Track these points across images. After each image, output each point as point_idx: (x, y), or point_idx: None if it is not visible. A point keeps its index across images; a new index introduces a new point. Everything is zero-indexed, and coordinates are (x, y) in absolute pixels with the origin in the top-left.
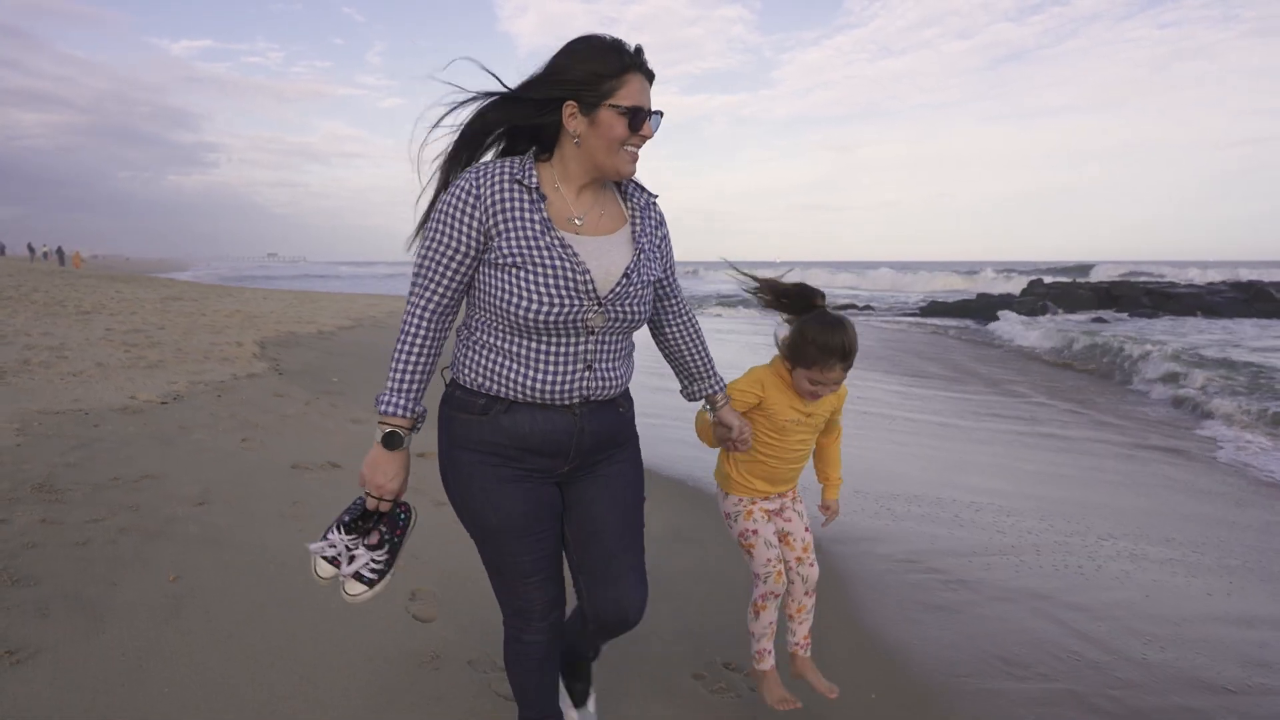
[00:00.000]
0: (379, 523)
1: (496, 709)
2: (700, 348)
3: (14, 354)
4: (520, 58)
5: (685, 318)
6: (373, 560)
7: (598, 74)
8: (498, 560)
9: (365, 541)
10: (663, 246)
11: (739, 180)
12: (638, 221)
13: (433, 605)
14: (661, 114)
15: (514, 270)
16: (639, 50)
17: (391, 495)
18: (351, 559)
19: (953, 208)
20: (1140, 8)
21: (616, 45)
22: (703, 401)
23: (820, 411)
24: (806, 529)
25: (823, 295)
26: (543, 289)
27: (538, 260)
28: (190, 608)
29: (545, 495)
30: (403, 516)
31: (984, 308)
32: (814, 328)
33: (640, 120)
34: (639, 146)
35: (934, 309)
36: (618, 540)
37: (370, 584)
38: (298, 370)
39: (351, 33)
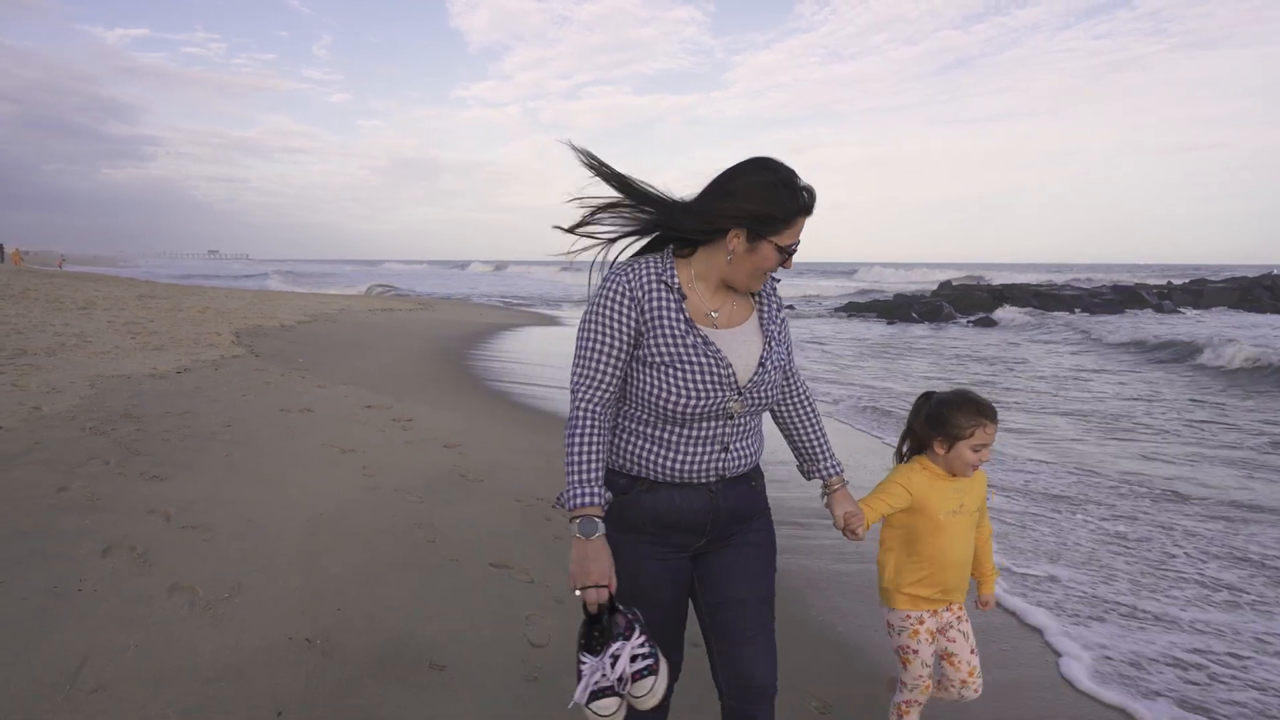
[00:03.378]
0: (611, 619)
1: None
2: (815, 427)
3: (51, 339)
4: (471, 54)
5: (801, 396)
6: (633, 647)
7: (773, 216)
8: None
9: (616, 643)
10: (784, 328)
11: (694, 181)
12: (763, 307)
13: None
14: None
15: (664, 368)
16: (811, 194)
17: (609, 580)
18: (615, 662)
19: (899, 210)
20: (1077, 19)
21: (792, 185)
22: (819, 482)
23: (972, 499)
24: (973, 650)
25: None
26: (691, 385)
27: (686, 359)
28: (241, 468)
29: (678, 570)
30: (631, 612)
31: (898, 308)
32: (953, 401)
33: (790, 255)
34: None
35: (850, 308)
36: (751, 610)
37: (652, 670)
38: (270, 354)
39: (297, 25)
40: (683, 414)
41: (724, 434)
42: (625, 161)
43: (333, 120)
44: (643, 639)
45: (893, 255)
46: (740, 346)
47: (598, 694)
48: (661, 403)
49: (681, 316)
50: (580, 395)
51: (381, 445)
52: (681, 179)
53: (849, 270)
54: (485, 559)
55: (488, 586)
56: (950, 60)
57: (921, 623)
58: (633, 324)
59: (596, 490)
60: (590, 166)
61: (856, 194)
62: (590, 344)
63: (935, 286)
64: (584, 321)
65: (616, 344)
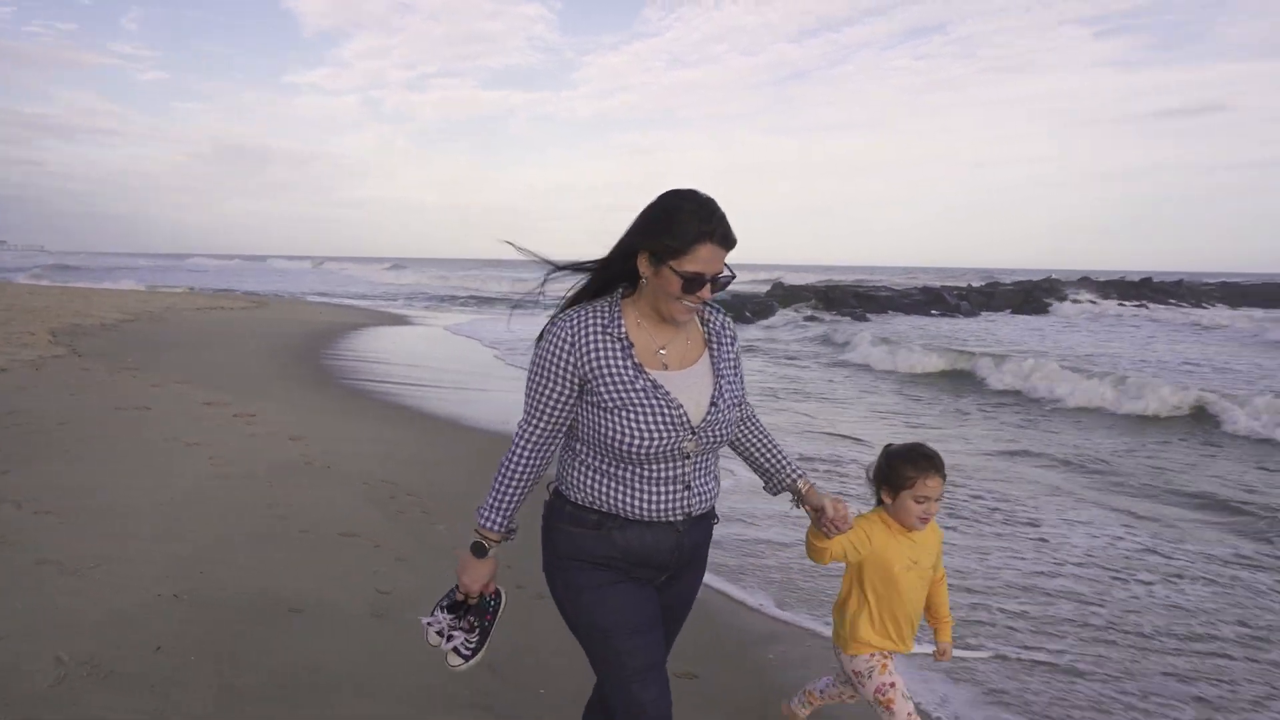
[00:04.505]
0: (469, 612)
1: None
2: (771, 444)
3: None
4: (306, 38)
5: (751, 420)
6: (467, 640)
7: (668, 243)
8: (612, 664)
9: (461, 625)
10: (737, 363)
11: (546, 177)
12: (714, 345)
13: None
14: (732, 276)
15: (615, 411)
16: (721, 220)
17: (476, 594)
18: (450, 638)
19: (744, 213)
20: (900, 40)
21: (699, 214)
22: (789, 494)
23: (927, 555)
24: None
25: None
26: (643, 427)
27: (636, 403)
28: (86, 460)
29: (650, 595)
30: (492, 603)
31: (732, 306)
32: (901, 452)
33: (697, 286)
34: (695, 305)
35: None
36: (667, 644)
37: (466, 659)
38: (94, 353)
39: None
40: (638, 455)
41: (684, 473)
42: (473, 156)
43: (145, 100)
44: (476, 639)
45: (736, 257)
46: (691, 387)
47: (435, 631)
48: (616, 444)
49: (629, 362)
50: (521, 433)
51: (226, 439)
52: (536, 175)
53: None
54: (334, 531)
55: (338, 552)
56: (787, 73)
57: (888, 657)
58: (573, 371)
59: (503, 521)
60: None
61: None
62: (534, 389)
63: (769, 287)
64: (531, 367)
65: (558, 389)
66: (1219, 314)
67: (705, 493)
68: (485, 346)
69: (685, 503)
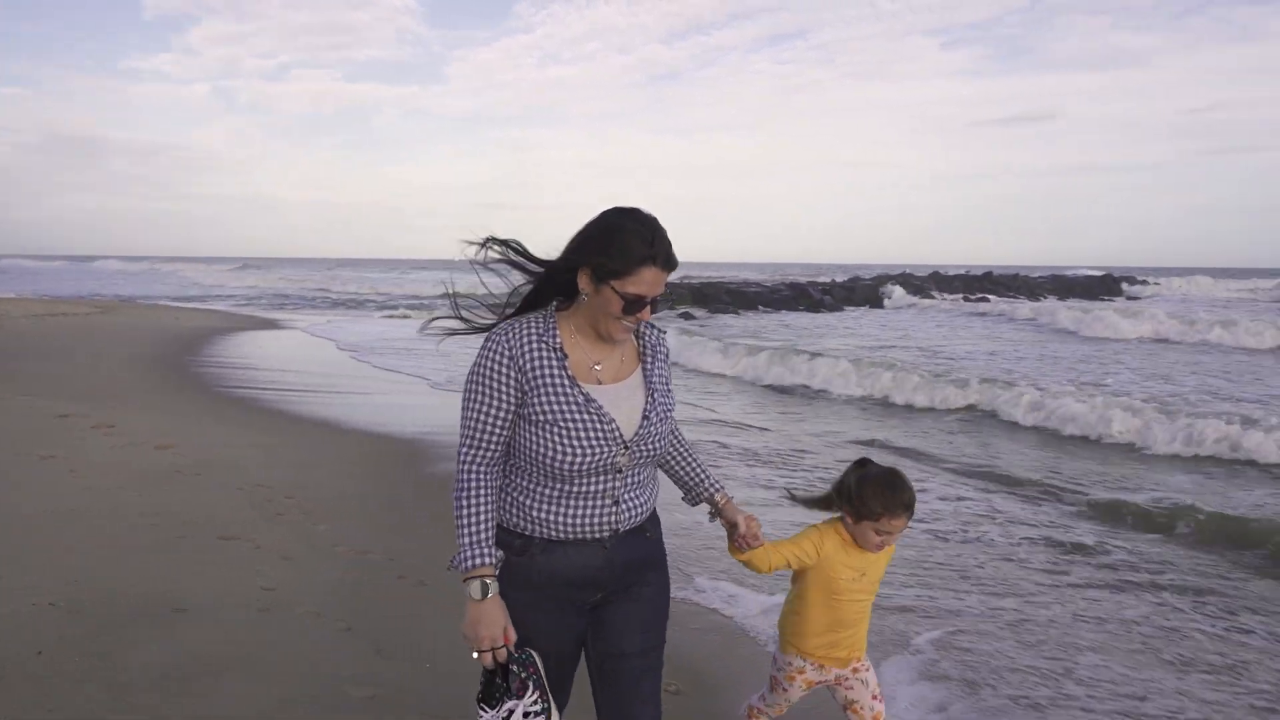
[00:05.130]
0: (506, 677)
1: None
2: (691, 456)
3: None
4: (146, 21)
5: (675, 434)
6: (526, 706)
7: (611, 264)
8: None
9: (510, 693)
10: (668, 378)
11: (419, 174)
12: (647, 360)
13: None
14: (668, 301)
15: (548, 426)
16: (664, 243)
17: (504, 642)
18: (509, 716)
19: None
20: (765, 44)
21: (643, 235)
22: (706, 506)
23: (875, 570)
24: (875, 697)
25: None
26: (575, 442)
27: (568, 416)
28: None
29: (574, 624)
30: (527, 655)
31: None
32: (875, 482)
33: (637, 307)
34: (634, 325)
35: None
36: (638, 661)
37: None
38: None
39: None
40: (569, 470)
41: (614, 488)
42: (341, 152)
43: None
44: (535, 696)
45: None
46: (624, 402)
47: None
48: (548, 460)
49: (564, 375)
50: (465, 455)
51: (86, 451)
52: (409, 172)
53: None
54: (213, 535)
55: (218, 553)
56: (660, 72)
57: (801, 671)
58: (513, 384)
59: (488, 550)
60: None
61: (579, 195)
62: (473, 405)
63: None
64: (467, 382)
65: (498, 404)
66: (1021, 306)
67: (635, 508)
68: (341, 349)
69: (614, 519)
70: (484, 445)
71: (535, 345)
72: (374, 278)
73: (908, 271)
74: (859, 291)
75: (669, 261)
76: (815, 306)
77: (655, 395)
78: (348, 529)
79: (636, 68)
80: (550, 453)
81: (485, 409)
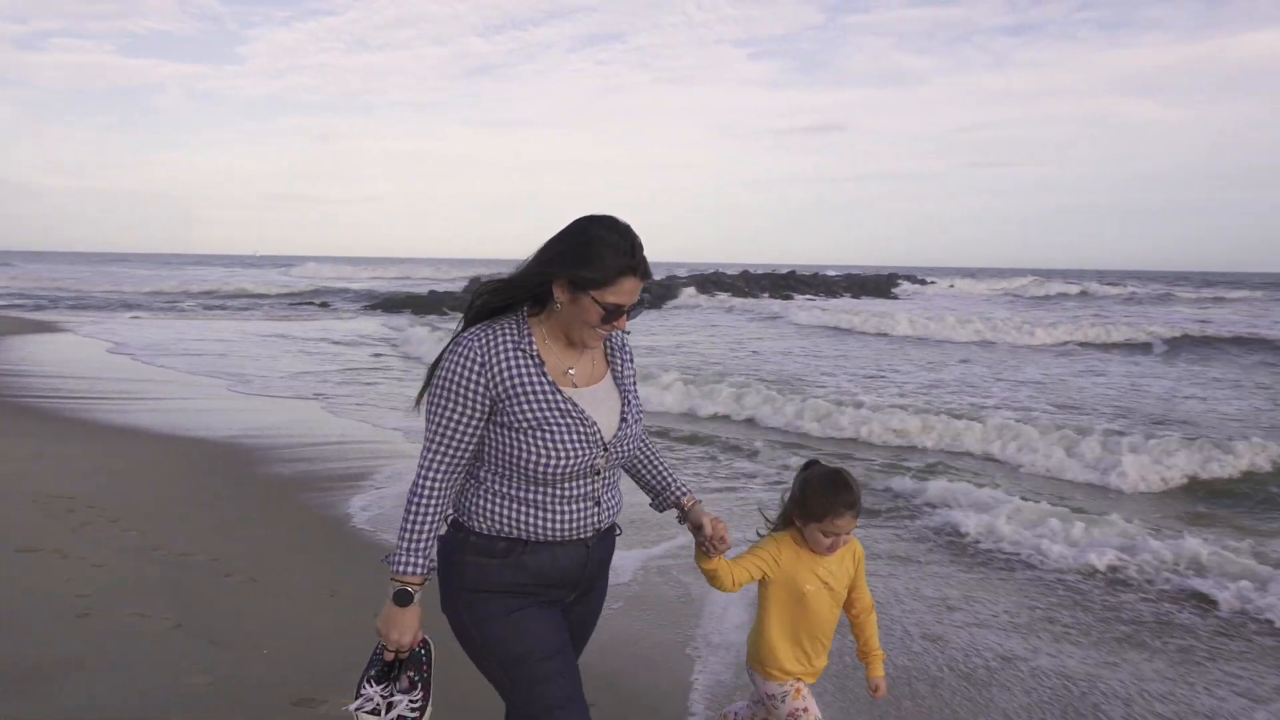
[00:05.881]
0: (402, 669)
1: None
2: (659, 462)
3: None
4: None
5: (642, 438)
6: (409, 701)
7: (589, 276)
8: (527, 689)
9: (398, 688)
10: (635, 380)
11: (208, 161)
12: (616, 362)
13: None
14: (642, 308)
15: (530, 432)
16: (642, 252)
17: (408, 648)
18: (390, 707)
19: (440, 206)
20: (583, 44)
21: (622, 246)
22: (674, 511)
23: (839, 578)
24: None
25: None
26: (559, 446)
27: (553, 421)
28: None
29: (559, 620)
30: (423, 653)
31: (433, 303)
32: (817, 481)
33: (615, 316)
34: (608, 332)
35: (385, 304)
36: (576, 658)
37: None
38: None
39: None
40: (552, 475)
41: (594, 490)
42: (115, 134)
43: None
44: (419, 695)
45: (435, 250)
46: (601, 405)
47: (368, 713)
48: (530, 466)
49: (544, 380)
50: (426, 463)
51: None
52: (196, 159)
53: (380, 262)
54: (10, 547)
55: (21, 566)
56: (476, 65)
57: (800, 679)
58: (483, 392)
59: (423, 561)
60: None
61: (389, 187)
62: (439, 412)
63: (467, 282)
64: (433, 389)
65: (466, 413)
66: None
67: (612, 507)
68: (122, 352)
69: (596, 519)
70: (448, 453)
71: (511, 352)
72: (144, 274)
73: (720, 270)
74: (673, 290)
75: (647, 271)
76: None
77: (629, 397)
78: (164, 534)
79: (453, 59)
80: (535, 458)
81: (452, 417)
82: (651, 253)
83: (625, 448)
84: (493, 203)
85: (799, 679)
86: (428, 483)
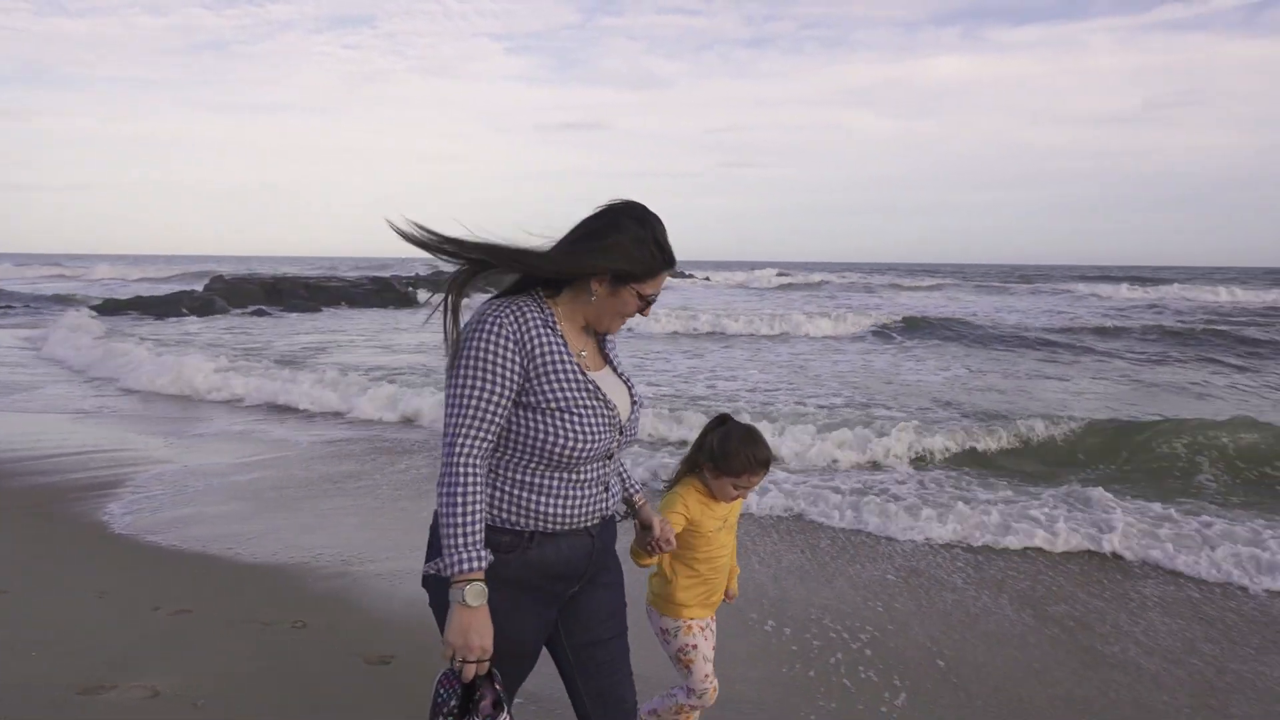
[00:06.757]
0: (484, 688)
1: None
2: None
3: None
4: None
5: None
6: None
7: (635, 272)
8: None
9: (481, 713)
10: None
11: None
12: (608, 350)
13: None
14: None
15: (558, 414)
16: (670, 249)
17: (490, 653)
18: None
19: (169, 196)
20: (328, 25)
21: (660, 243)
22: (624, 507)
23: (733, 514)
24: (713, 647)
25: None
26: (586, 429)
27: (581, 403)
28: None
29: (550, 619)
30: (492, 667)
31: (168, 304)
32: (737, 440)
33: (648, 305)
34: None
35: (109, 306)
36: (619, 642)
37: None
38: None
39: None
40: (575, 458)
41: (605, 474)
42: None
43: None
44: (506, 718)
45: (164, 249)
46: (613, 389)
47: None
48: (555, 449)
49: (573, 362)
50: (460, 445)
51: None
52: None
53: (86, 261)
54: None
55: None
56: (204, 40)
57: (703, 630)
58: (518, 368)
59: (482, 553)
60: (438, 248)
61: (95, 176)
62: (472, 389)
63: (208, 280)
64: (463, 363)
65: (500, 389)
66: None
67: (616, 493)
68: None
69: (604, 504)
70: (482, 434)
71: (541, 330)
72: None
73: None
74: (444, 284)
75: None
76: (399, 302)
77: (631, 381)
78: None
79: (174, 33)
80: (562, 440)
81: (487, 393)
82: (405, 250)
83: (635, 430)
84: (228, 194)
85: (696, 616)
86: (468, 467)
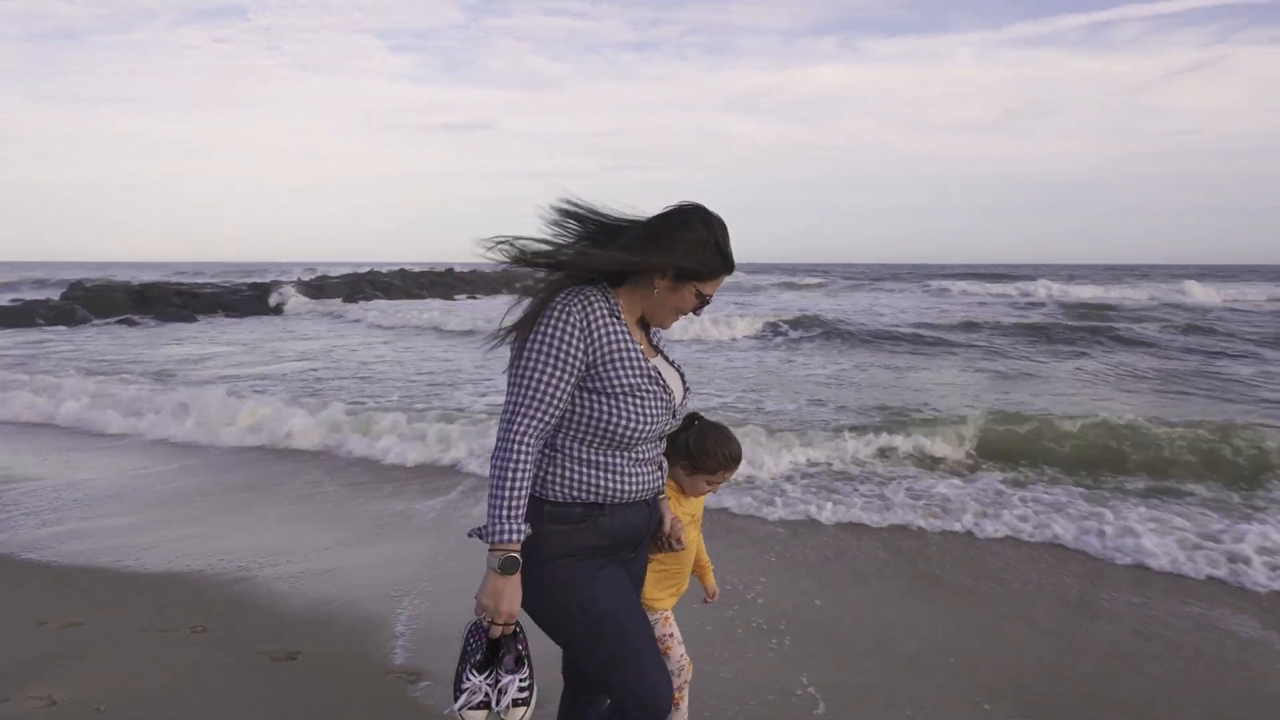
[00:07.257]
0: (505, 650)
1: None
2: None
3: None
4: None
5: None
6: (519, 681)
7: (699, 271)
8: (620, 646)
9: (504, 669)
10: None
11: None
12: (655, 339)
13: None
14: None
15: (623, 397)
16: (731, 256)
17: (516, 618)
18: (501, 693)
19: (12, 196)
20: (194, 17)
21: (721, 246)
22: None
23: (699, 507)
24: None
25: None
26: (647, 411)
27: (643, 388)
28: None
29: (627, 576)
30: (519, 628)
31: (22, 313)
32: (713, 441)
33: (705, 304)
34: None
35: None
36: (645, 623)
37: (526, 703)
38: None
39: None
40: (634, 438)
41: (658, 453)
42: None
43: None
44: (527, 673)
45: (14, 255)
46: (667, 375)
47: (474, 707)
48: (618, 430)
49: (637, 349)
50: (518, 423)
51: None
52: None
53: None
54: None
55: None
56: (53, 28)
57: (666, 608)
58: (583, 355)
59: (522, 527)
60: (533, 263)
61: None
62: (538, 372)
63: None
64: (531, 347)
65: (565, 374)
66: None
67: (665, 470)
68: None
69: (658, 480)
70: (542, 415)
71: (608, 318)
72: None
73: (375, 269)
74: (328, 289)
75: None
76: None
77: (680, 369)
78: None
79: (17, 19)
80: (626, 422)
81: (552, 377)
82: (290, 252)
83: (683, 415)
84: (89, 195)
85: (668, 607)
86: (521, 447)
